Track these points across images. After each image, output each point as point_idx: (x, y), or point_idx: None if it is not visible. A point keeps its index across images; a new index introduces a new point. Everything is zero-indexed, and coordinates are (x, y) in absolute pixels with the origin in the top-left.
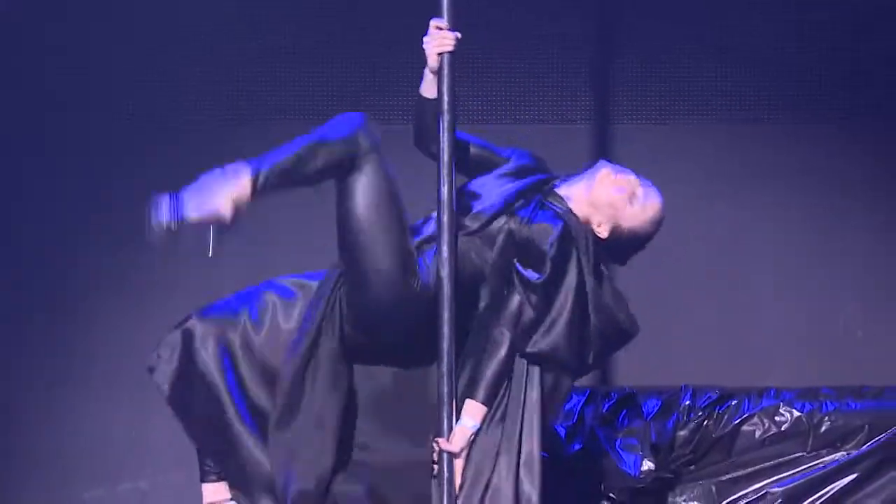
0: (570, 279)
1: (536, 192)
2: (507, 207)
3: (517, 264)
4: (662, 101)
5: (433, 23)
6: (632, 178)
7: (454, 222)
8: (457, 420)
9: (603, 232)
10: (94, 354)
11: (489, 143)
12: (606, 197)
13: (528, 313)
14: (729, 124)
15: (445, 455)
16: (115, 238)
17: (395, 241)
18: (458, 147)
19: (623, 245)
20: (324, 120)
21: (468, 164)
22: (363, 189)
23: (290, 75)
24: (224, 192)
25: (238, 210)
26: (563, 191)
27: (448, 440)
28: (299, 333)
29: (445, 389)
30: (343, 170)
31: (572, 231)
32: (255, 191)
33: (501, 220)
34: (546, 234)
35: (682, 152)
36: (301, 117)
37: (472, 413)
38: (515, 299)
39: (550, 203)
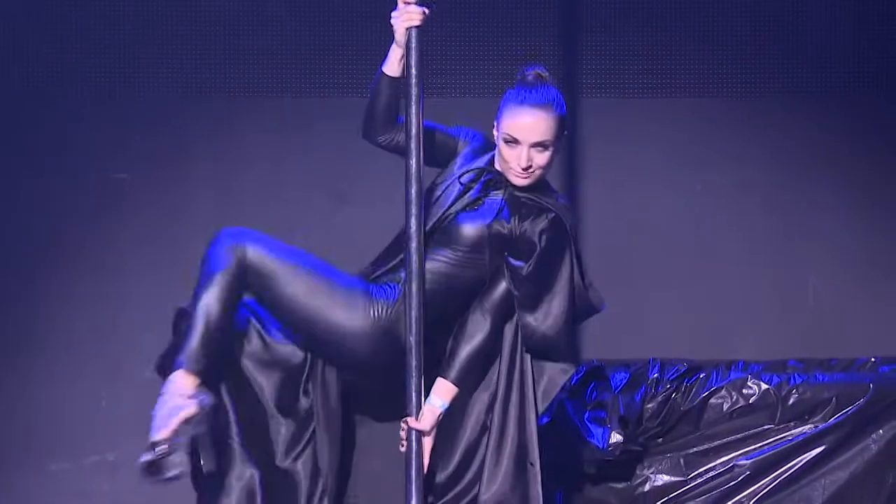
0: (565, 270)
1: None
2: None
3: (507, 256)
4: (629, 75)
5: None
6: None
7: (422, 195)
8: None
9: None
10: (61, 325)
11: (438, 124)
12: None
13: (511, 301)
14: (695, 99)
15: (414, 433)
16: (80, 207)
17: (336, 298)
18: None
19: None
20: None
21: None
22: (277, 296)
23: (253, 48)
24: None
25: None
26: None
27: (417, 418)
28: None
29: (413, 363)
30: (243, 286)
31: (563, 221)
32: (199, 375)
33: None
34: (536, 228)
35: (648, 127)
36: (265, 93)
37: (442, 393)
38: (502, 286)
39: (528, 198)
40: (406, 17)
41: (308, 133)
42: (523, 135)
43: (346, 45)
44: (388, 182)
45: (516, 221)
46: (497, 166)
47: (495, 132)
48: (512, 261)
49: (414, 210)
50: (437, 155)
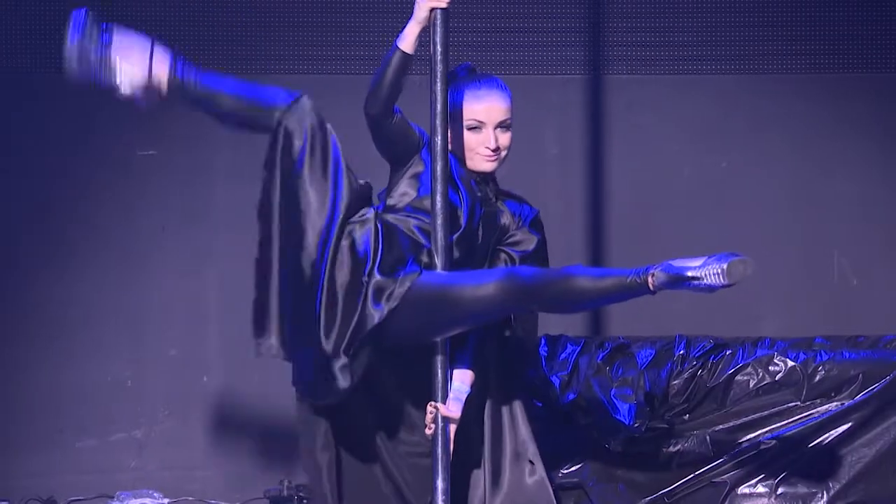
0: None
1: None
2: None
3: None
4: (654, 51)
5: None
6: None
7: (447, 172)
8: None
9: None
10: (86, 304)
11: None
12: None
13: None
14: (719, 74)
15: (440, 417)
16: (107, 186)
17: None
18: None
19: None
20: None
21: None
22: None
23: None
24: (141, 64)
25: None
26: None
27: (447, 407)
28: None
29: (440, 347)
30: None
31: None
32: (168, 90)
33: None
34: (527, 221)
35: (673, 102)
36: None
37: (462, 378)
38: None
39: (507, 192)
40: (423, 6)
41: (333, 110)
42: (488, 116)
43: (367, 22)
44: None
45: (510, 216)
46: (457, 162)
47: (454, 124)
48: (515, 251)
49: (440, 187)
50: (400, 148)
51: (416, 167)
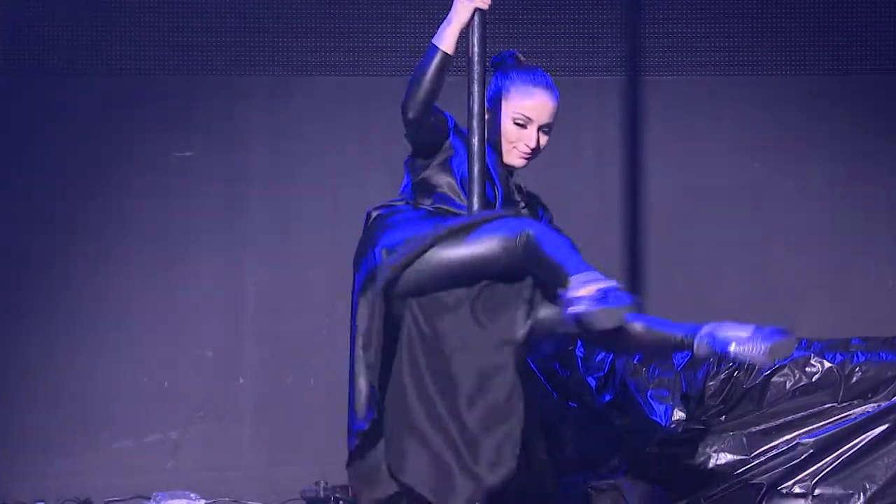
0: None
1: None
2: None
3: None
4: (692, 54)
5: None
6: None
7: (484, 173)
8: None
9: None
10: (126, 304)
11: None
12: None
13: None
14: (756, 77)
15: None
16: (143, 187)
17: None
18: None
19: None
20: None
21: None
22: None
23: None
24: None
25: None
26: None
27: None
28: None
29: None
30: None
31: None
32: None
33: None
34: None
35: (710, 105)
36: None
37: None
38: None
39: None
40: (467, 7)
41: (370, 111)
42: (537, 115)
43: (405, 24)
44: None
45: (534, 214)
46: (493, 153)
47: (496, 111)
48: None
49: (476, 188)
50: (435, 141)
51: (447, 152)
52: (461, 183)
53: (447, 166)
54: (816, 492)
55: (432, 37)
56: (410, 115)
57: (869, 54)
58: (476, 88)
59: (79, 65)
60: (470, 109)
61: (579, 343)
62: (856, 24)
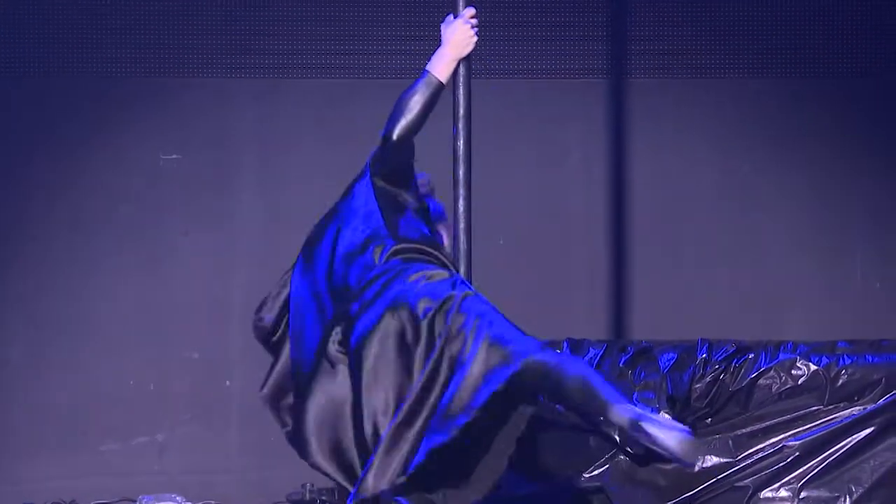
0: None
1: None
2: None
3: None
4: (678, 55)
5: (468, 12)
6: None
7: (469, 176)
8: None
9: None
10: (113, 306)
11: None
12: None
13: None
14: (741, 79)
15: None
16: (130, 190)
17: None
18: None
19: None
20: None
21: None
22: None
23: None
24: None
25: None
26: None
27: None
28: None
29: None
30: None
31: None
32: None
33: None
34: None
35: (696, 107)
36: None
37: None
38: None
39: None
40: (470, 42)
41: (357, 113)
42: None
43: (392, 28)
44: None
45: None
46: None
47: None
48: None
49: (462, 191)
50: (404, 167)
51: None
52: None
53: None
54: (802, 494)
55: (426, 63)
56: (396, 138)
57: (853, 57)
58: (461, 91)
59: (68, 66)
60: (455, 113)
61: (565, 345)
62: (840, 27)
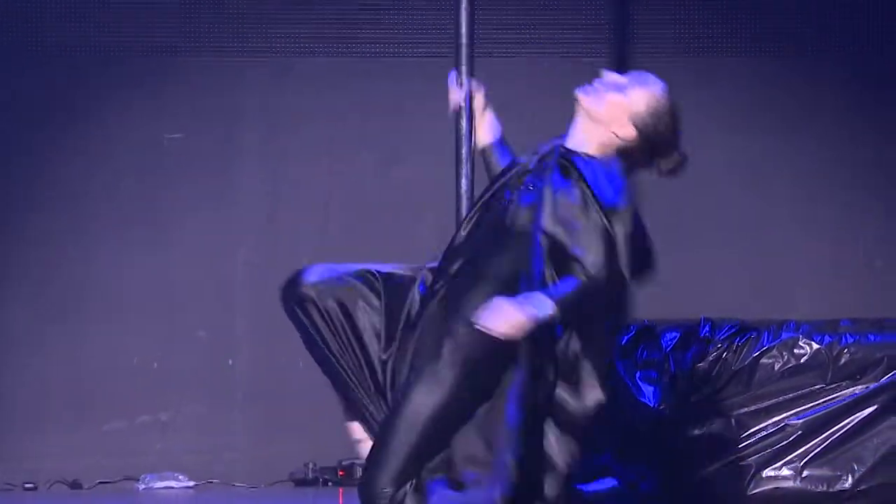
0: None
1: None
2: None
3: None
4: (681, 34)
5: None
6: None
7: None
8: None
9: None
10: (117, 285)
11: None
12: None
13: None
14: (746, 58)
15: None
16: (135, 169)
17: None
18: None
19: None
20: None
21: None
22: None
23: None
24: None
25: None
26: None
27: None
28: None
29: None
30: None
31: None
32: None
33: None
34: None
35: (701, 86)
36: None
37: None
38: None
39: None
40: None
41: (360, 92)
42: None
43: (398, 7)
44: (440, 142)
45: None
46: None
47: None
48: None
49: (465, 169)
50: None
51: None
52: None
53: None
54: (805, 473)
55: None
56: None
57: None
58: (464, 70)
59: (71, 45)
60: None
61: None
62: (849, 8)
